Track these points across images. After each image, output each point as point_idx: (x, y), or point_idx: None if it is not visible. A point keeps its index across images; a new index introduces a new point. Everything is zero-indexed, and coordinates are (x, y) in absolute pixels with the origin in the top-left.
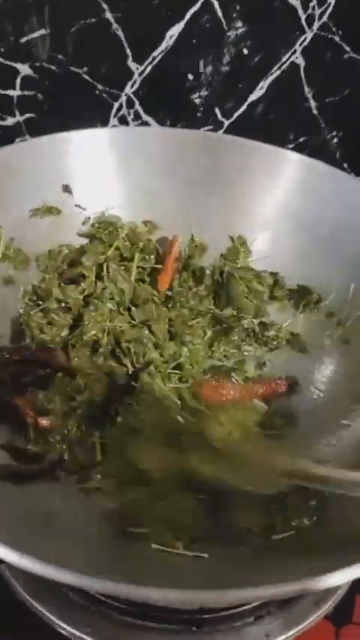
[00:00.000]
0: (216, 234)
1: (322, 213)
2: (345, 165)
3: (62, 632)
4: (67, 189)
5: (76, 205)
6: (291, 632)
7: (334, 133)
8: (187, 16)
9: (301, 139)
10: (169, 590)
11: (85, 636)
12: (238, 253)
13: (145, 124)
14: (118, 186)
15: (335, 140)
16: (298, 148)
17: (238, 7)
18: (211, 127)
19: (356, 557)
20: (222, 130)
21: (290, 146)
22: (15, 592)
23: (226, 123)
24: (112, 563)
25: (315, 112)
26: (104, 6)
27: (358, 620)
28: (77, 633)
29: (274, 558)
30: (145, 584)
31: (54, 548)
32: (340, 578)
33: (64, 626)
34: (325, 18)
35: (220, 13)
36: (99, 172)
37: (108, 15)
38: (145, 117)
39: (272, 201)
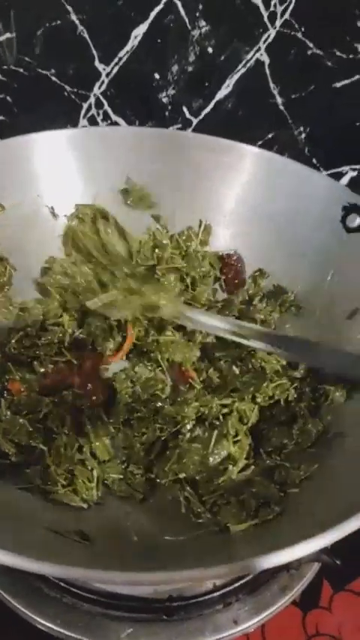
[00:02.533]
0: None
1: (287, 208)
2: (314, 161)
3: (36, 625)
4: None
5: (48, 207)
6: (259, 618)
7: (302, 129)
8: (151, 16)
9: (269, 135)
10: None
11: (57, 628)
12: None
13: (115, 124)
14: (84, 186)
15: (303, 135)
16: (267, 145)
17: (200, 7)
18: (179, 126)
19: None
20: (191, 128)
21: (259, 142)
22: None
23: (195, 121)
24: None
25: (282, 107)
26: (69, 8)
27: (325, 604)
28: (50, 625)
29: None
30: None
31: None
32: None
33: (38, 619)
34: (287, 15)
35: (183, 13)
36: (65, 173)
37: (73, 17)
38: (114, 117)
39: (238, 197)
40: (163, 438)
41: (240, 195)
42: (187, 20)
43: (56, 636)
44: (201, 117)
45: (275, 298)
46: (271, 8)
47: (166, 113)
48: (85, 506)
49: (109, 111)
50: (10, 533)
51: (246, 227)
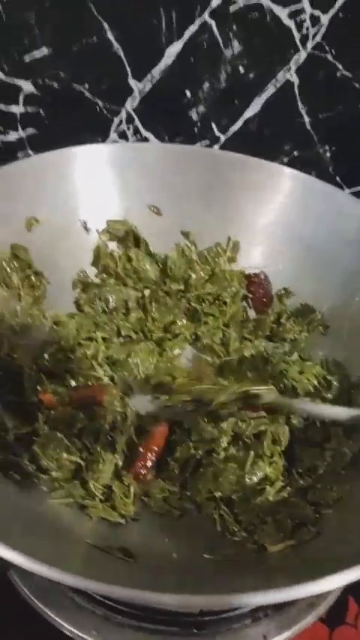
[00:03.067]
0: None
1: (315, 227)
2: (337, 179)
3: (68, 634)
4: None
5: (81, 221)
6: (287, 633)
7: (327, 148)
8: (186, 35)
9: (295, 153)
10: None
11: (90, 639)
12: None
13: (145, 139)
14: (118, 200)
15: (328, 154)
16: (292, 163)
17: (234, 28)
18: (207, 143)
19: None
20: (218, 145)
21: (285, 160)
22: (22, 596)
23: (223, 138)
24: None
25: (308, 127)
26: (105, 26)
27: (351, 621)
28: (83, 636)
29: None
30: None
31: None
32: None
33: (71, 628)
34: (318, 38)
35: (217, 33)
36: (100, 187)
37: (109, 35)
38: (144, 132)
39: (266, 215)
40: (197, 457)
41: (268, 213)
42: (220, 40)
43: None
44: (229, 134)
45: (303, 317)
46: (303, 31)
47: (195, 130)
48: (122, 521)
49: (140, 126)
50: (51, 547)
51: (274, 246)
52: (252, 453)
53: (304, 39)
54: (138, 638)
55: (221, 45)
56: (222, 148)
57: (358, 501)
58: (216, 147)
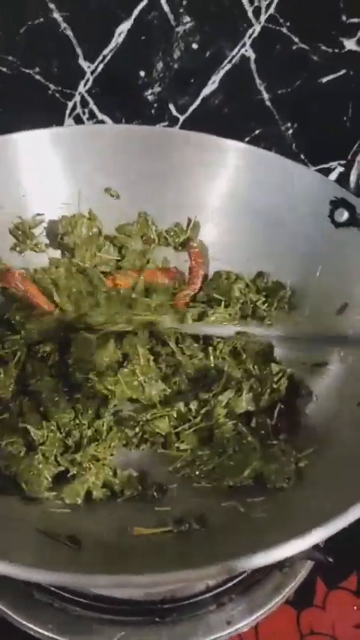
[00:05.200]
0: (170, 227)
1: (270, 199)
2: (302, 157)
3: (27, 630)
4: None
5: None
6: (252, 618)
7: (289, 125)
8: (135, 12)
9: (257, 132)
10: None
11: (49, 633)
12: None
13: (101, 122)
14: (68, 185)
15: (290, 131)
16: (255, 141)
17: (184, 2)
18: (166, 123)
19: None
20: (177, 126)
21: (247, 139)
22: None
23: (182, 118)
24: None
25: (268, 103)
26: (51, 6)
27: (319, 603)
28: (41, 631)
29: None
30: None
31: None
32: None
33: (29, 624)
34: (271, 10)
35: (167, 9)
36: (48, 173)
37: (56, 15)
38: (100, 115)
39: (227, 193)
40: None
41: (227, 191)
42: (171, 17)
43: None
44: (187, 114)
45: (273, 295)
46: (256, 3)
47: (152, 111)
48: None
49: (95, 109)
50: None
51: (234, 223)
52: None
53: (257, 11)
54: (98, 630)
55: (172, 21)
56: (181, 128)
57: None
58: (175, 127)
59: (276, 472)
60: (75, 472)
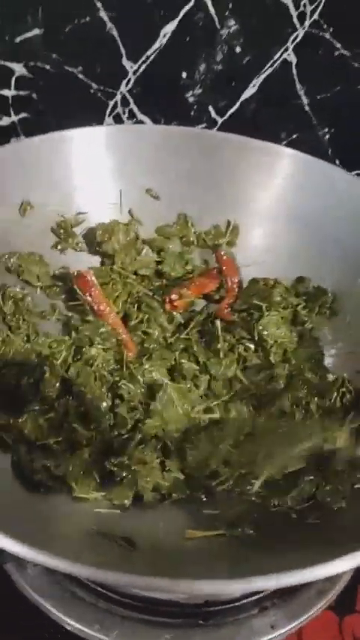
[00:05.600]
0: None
1: (316, 205)
2: (337, 162)
3: (70, 629)
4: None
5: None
6: (295, 623)
7: (326, 130)
8: (181, 14)
9: (293, 136)
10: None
11: (93, 633)
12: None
13: (140, 122)
14: (114, 184)
15: (327, 137)
16: (291, 145)
17: (230, 5)
18: (204, 125)
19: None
20: (216, 128)
21: (283, 143)
22: (22, 591)
23: (220, 121)
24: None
25: (307, 108)
26: (98, 5)
27: None
28: (86, 630)
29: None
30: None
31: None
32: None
33: (73, 623)
34: (316, 15)
35: (212, 11)
36: (96, 171)
37: (102, 14)
38: (139, 116)
39: (267, 196)
40: None
41: (268, 194)
42: (216, 19)
43: None
44: (226, 117)
45: (314, 300)
46: (301, 8)
47: (192, 112)
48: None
49: (135, 109)
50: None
51: (274, 227)
52: None
53: (302, 16)
54: (142, 630)
55: (217, 23)
56: (219, 130)
57: None
58: (214, 130)
59: (331, 493)
60: (123, 475)
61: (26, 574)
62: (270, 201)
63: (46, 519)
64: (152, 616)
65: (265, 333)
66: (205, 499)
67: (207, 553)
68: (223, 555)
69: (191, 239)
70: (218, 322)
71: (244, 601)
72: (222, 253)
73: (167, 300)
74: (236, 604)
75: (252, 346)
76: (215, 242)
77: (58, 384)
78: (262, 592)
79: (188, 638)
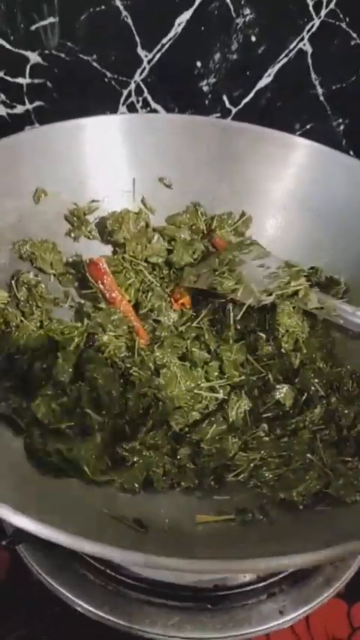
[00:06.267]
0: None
1: (331, 196)
2: (351, 153)
3: (80, 609)
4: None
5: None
6: (304, 609)
7: (341, 120)
8: (196, 3)
9: (307, 126)
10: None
11: (103, 614)
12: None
13: (154, 111)
14: (127, 172)
15: (342, 127)
16: (305, 135)
17: None
18: (218, 115)
19: None
20: (230, 118)
21: (297, 133)
22: (32, 572)
23: (234, 110)
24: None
25: (322, 98)
26: None
27: None
28: (95, 611)
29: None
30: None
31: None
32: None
33: (82, 604)
34: (332, 5)
35: (228, 0)
36: (109, 159)
37: (117, 3)
38: (153, 104)
39: (281, 186)
40: None
41: (282, 185)
42: (232, 8)
43: (103, 623)
44: (240, 106)
45: (327, 290)
46: None
47: (206, 102)
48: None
49: (149, 98)
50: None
51: (288, 217)
52: None
53: (318, 6)
54: (151, 613)
55: (232, 12)
56: (233, 120)
57: None
58: (228, 119)
59: (344, 487)
60: (134, 460)
61: (38, 556)
62: (283, 191)
63: (59, 501)
64: (161, 598)
65: (277, 322)
66: (214, 485)
67: (217, 537)
68: (233, 539)
69: (201, 227)
70: (230, 307)
71: (253, 586)
72: (214, 235)
73: (174, 299)
74: (245, 589)
75: (263, 335)
76: (221, 230)
77: (70, 370)
78: (271, 578)
79: (197, 622)
